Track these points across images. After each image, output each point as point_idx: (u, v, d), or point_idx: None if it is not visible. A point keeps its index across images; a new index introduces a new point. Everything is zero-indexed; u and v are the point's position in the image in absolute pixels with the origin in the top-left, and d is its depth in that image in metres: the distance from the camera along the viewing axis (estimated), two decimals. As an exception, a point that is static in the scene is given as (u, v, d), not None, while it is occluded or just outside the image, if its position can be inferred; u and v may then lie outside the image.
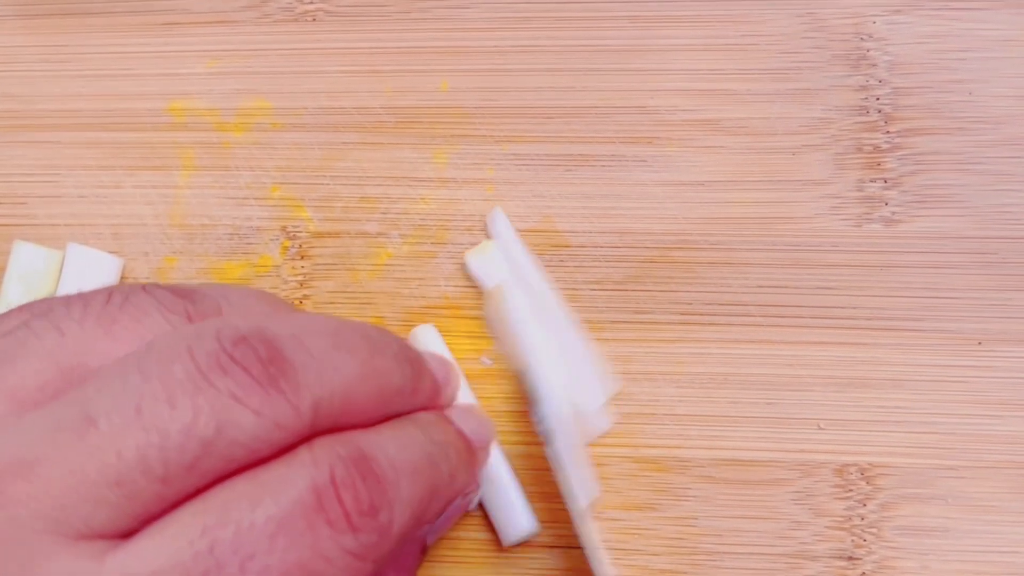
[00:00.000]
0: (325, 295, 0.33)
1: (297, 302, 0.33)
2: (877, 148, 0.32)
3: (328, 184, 0.33)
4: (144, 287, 0.21)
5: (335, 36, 0.34)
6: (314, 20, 0.34)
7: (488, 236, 0.32)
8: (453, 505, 0.26)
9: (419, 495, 0.22)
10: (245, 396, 0.19)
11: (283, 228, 0.33)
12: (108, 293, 0.21)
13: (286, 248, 0.33)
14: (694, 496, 0.31)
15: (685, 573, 0.30)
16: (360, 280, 0.33)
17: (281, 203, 0.33)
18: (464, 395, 0.30)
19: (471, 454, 0.26)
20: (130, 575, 0.17)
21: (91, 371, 0.19)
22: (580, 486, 0.28)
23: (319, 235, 0.33)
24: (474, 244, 0.32)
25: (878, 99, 0.32)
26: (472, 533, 0.31)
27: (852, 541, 0.30)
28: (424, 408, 0.25)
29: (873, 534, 0.30)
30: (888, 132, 0.32)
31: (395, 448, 0.22)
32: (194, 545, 0.17)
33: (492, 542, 0.31)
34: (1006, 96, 0.32)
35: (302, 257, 0.33)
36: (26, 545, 0.17)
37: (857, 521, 0.30)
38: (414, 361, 0.25)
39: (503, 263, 0.32)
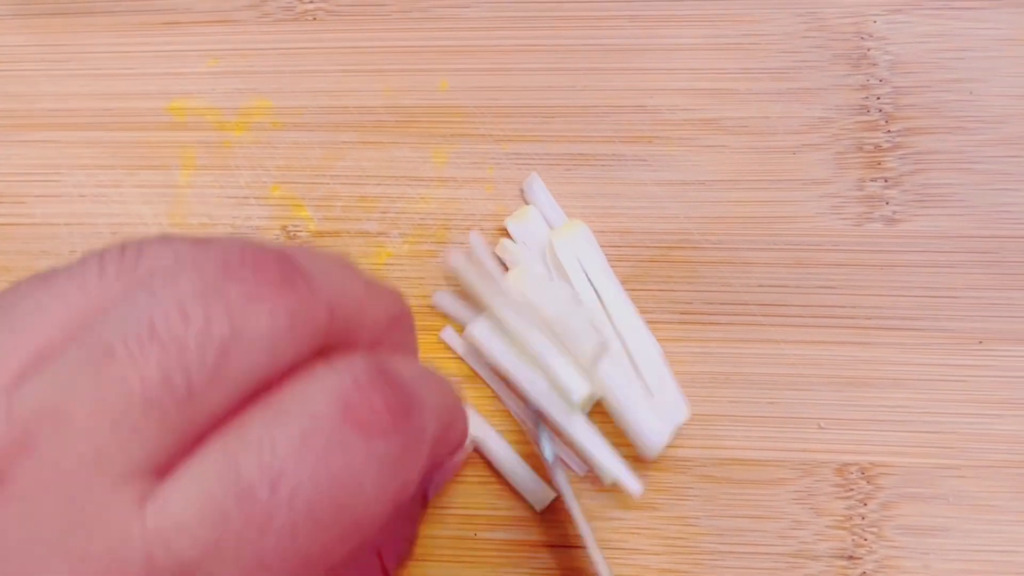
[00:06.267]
0: (325, 294, 0.33)
1: (297, 301, 0.33)
2: (878, 147, 0.32)
3: (328, 183, 0.33)
4: (162, 240, 0.20)
5: (335, 35, 0.34)
6: (314, 19, 0.34)
7: (526, 202, 0.32)
8: (453, 457, 0.25)
9: (440, 411, 0.21)
10: (259, 296, 0.18)
11: (283, 227, 0.33)
12: (122, 250, 0.19)
13: (286, 247, 0.33)
14: (695, 495, 0.31)
15: (686, 573, 0.30)
16: (360, 279, 0.33)
17: (281, 202, 0.33)
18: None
19: (459, 397, 0.25)
20: (171, 525, 0.16)
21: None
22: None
23: (319, 234, 0.33)
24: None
25: (879, 98, 0.32)
26: (467, 532, 0.31)
27: (853, 540, 0.30)
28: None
29: (874, 533, 0.30)
30: (889, 131, 0.32)
31: (409, 368, 0.21)
32: (223, 478, 0.17)
33: (495, 540, 0.31)
34: (1006, 95, 0.32)
35: (302, 256, 0.33)
36: (77, 497, 0.16)
37: (858, 520, 0.30)
38: (400, 299, 0.24)
39: (544, 228, 0.32)
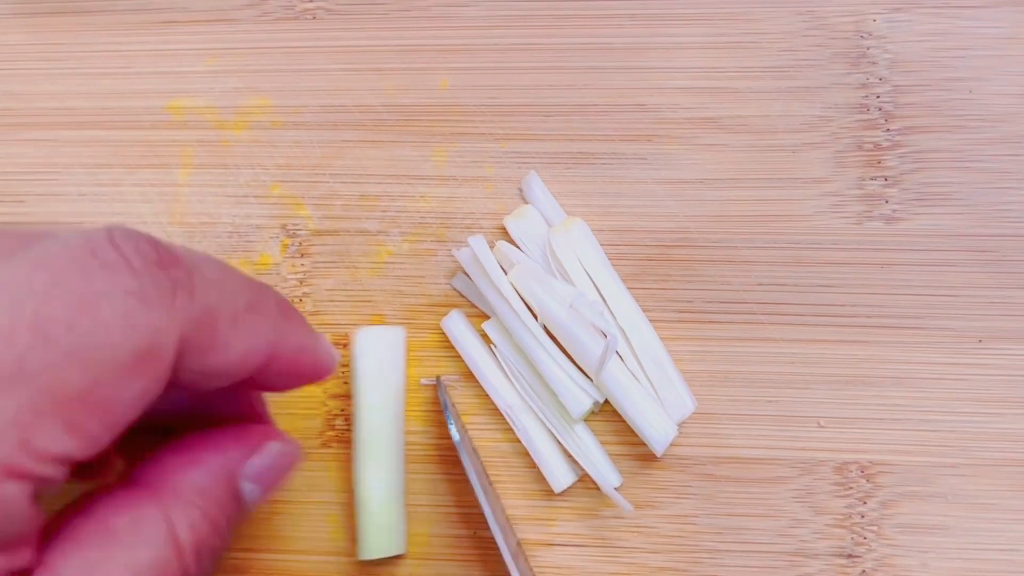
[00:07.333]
0: (325, 293, 0.33)
1: (297, 300, 0.33)
2: (877, 146, 0.32)
3: (328, 182, 0.33)
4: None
5: (335, 34, 0.34)
6: (314, 18, 0.34)
7: (524, 201, 0.32)
8: (279, 456, 0.25)
9: (229, 284, 0.22)
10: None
11: (283, 226, 0.33)
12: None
13: (286, 246, 0.33)
14: (695, 494, 0.31)
15: (686, 571, 0.30)
16: (360, 278, 0.33)
17: (281, 201, 0.33)
18: None
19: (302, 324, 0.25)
20: None
21: None
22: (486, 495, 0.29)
23: (319, 233, 0.33)
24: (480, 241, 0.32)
25: (878, 97, 0.32)
26: (458, 529, 0.31)
27: (852, 539, 0.30)
28: None
29: (873, 532, 0.30)
30: (888, 130, 0.32)
31: (206, 263, 0.22)
32: None
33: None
34: (1006, 94, 0.32)
35: (302, 255, 0.33)
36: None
37: (857, 519, 0.30)
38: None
39: (543, 226, 0.32)
